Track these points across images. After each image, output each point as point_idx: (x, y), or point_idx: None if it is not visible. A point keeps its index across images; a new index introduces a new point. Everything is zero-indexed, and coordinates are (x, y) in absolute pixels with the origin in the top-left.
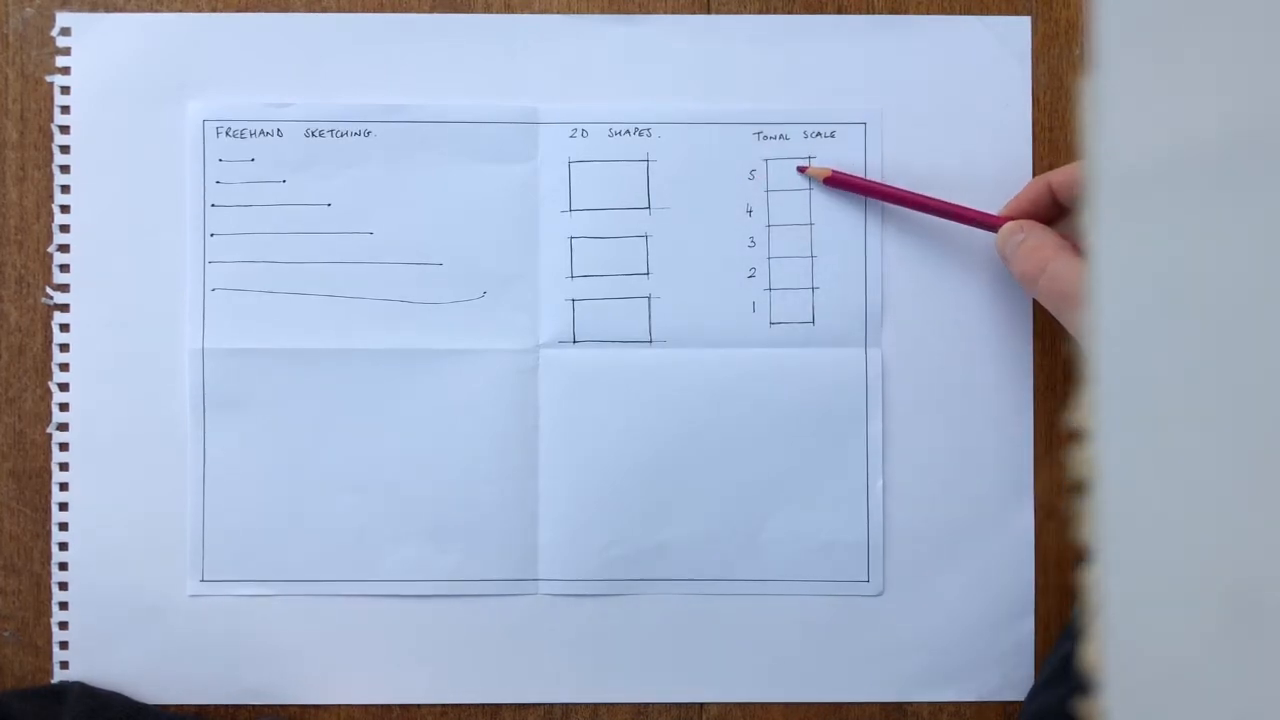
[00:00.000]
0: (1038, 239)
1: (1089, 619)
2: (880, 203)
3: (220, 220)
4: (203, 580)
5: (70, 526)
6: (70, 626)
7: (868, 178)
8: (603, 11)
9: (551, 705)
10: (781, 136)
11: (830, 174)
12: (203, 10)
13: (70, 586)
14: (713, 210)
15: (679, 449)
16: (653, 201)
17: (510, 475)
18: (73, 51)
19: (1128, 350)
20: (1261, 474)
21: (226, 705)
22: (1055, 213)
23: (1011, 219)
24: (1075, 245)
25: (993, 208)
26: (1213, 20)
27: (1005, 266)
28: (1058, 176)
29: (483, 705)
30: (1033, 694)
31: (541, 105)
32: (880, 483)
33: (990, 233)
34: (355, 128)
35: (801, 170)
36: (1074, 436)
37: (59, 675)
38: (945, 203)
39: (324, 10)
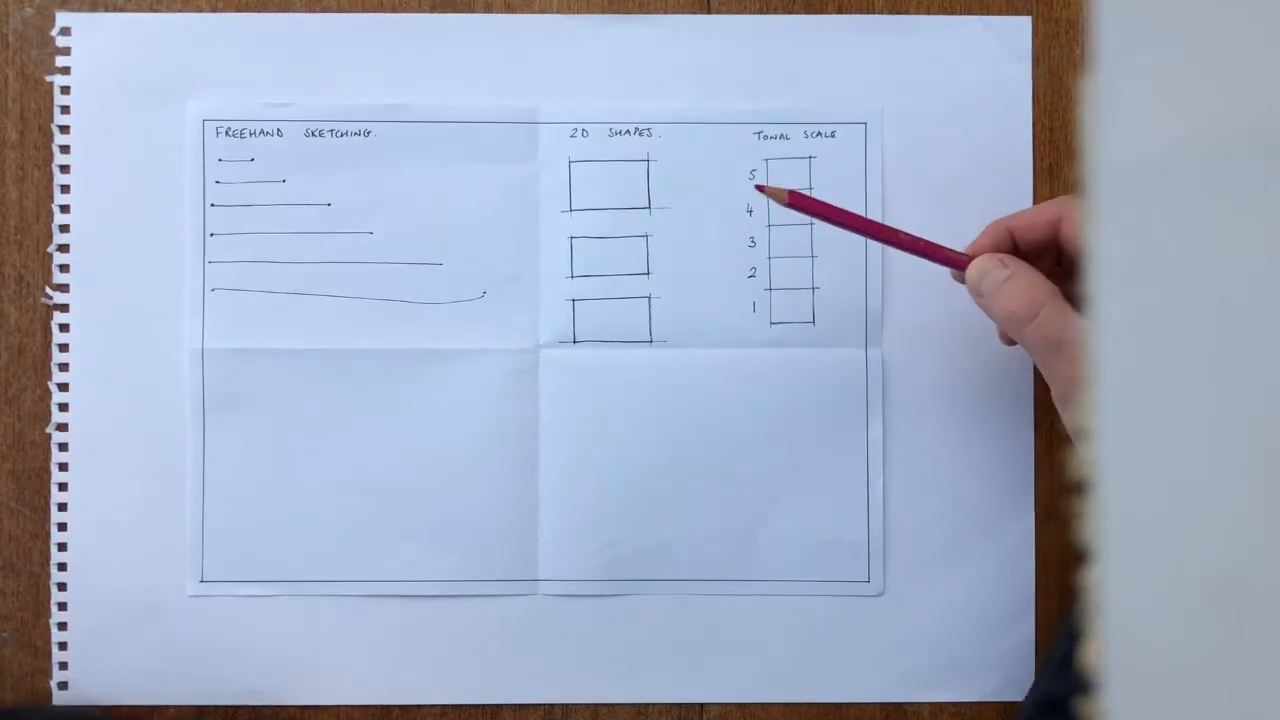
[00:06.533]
0: (1030, 280)
1: (1089, 619)
2: (879, 204)
3: (220, 220)
4: (203, 580)
5: (70, 527)
6: (70, 626)
7: (828, 202)
8: (603, 11)
9: (551, 705)
10: (781, 136)
11: (789, 195)
12: (203, 10)
13: (70, 586)
14: (713, 210)
15: (678, 449)
16: (653, 201)
17: (510, 475)
18: (73, 51)
19: (1127, 350)
20: (1261, 474)
21: (226, 705)
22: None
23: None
24: (1063, 293)
25: (994, 207)
26: (1213, 20)
27: (976, 301)
28: (1018, 220)
29: (483, 705)
30: (1036, 685)
31: (541, 105)
32: (880, 483)
33: (947, 267)
34: (355, 128)
35: (760, 189)
36: (1074, 437)
37: (58, 675)
38: (912, 236)
39: (324, 10)
